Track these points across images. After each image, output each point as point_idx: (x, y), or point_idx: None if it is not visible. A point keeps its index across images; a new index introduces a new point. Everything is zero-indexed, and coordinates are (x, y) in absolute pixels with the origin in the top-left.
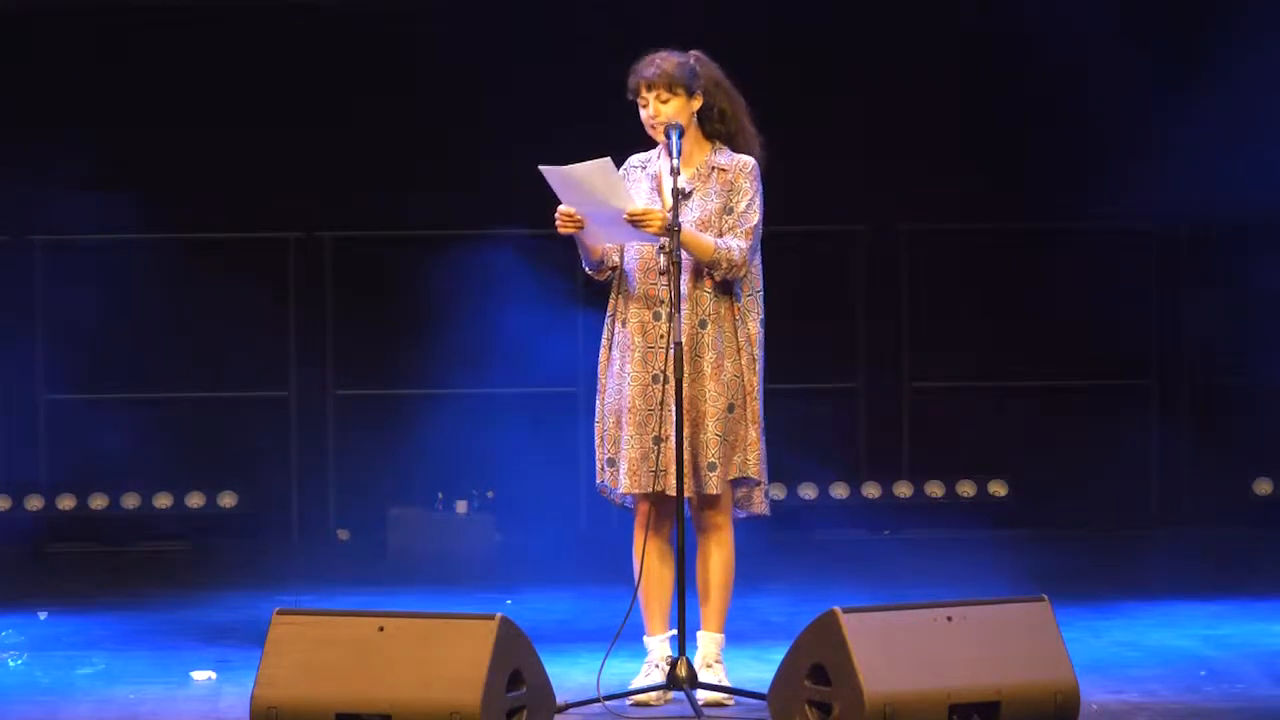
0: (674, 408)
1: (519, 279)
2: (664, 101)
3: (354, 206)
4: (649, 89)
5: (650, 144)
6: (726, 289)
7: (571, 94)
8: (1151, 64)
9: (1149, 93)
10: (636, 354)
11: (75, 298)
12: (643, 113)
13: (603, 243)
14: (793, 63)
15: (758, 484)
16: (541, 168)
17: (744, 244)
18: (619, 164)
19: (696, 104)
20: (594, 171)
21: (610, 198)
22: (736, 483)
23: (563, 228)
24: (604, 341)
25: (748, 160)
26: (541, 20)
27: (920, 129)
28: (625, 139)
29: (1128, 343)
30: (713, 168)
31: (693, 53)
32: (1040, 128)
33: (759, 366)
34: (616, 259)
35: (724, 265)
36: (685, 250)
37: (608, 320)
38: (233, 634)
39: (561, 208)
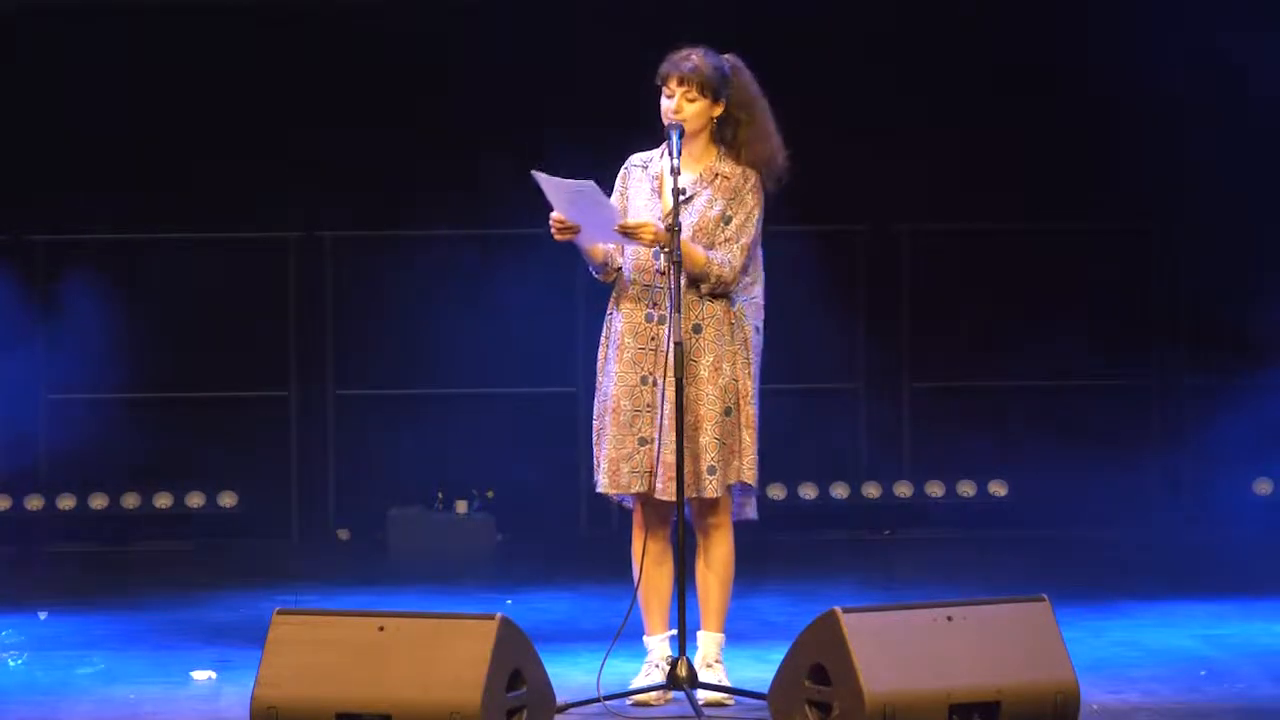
0: (675, 406)
1: (519, 279)
2: (690, 100)
3: (354, 206)
4: (680, 84)
5: (654, 140)
6: (724, 294)
7: (572, 93)
8: (1152, 62)
9: (1149, 92)
10: (626, 354)
11: (75, 297)
12: (665, 102)
13: (600, 242)
14: (792, 62)
15: (751, 489)
16: (534, 173)
17: (736, 262)
18: (620, 161)
19: (718, 110)
20: (581, 190)
21: (599, 209)
22: (731, 488)
23: (559, 235)
24: (602, 340)
25: (751, 173)
26: (542, 20)
27: (920, 129)
28: (629, 140)
29: (1127, 342)
30: (716, 174)
31: (728, 56)
32: (1040, 128)
33: (754, 371)
34: (620, 260)
35: (712, 280)
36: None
37: (606, 320)
38: (233, 634)
39: (554, 215)
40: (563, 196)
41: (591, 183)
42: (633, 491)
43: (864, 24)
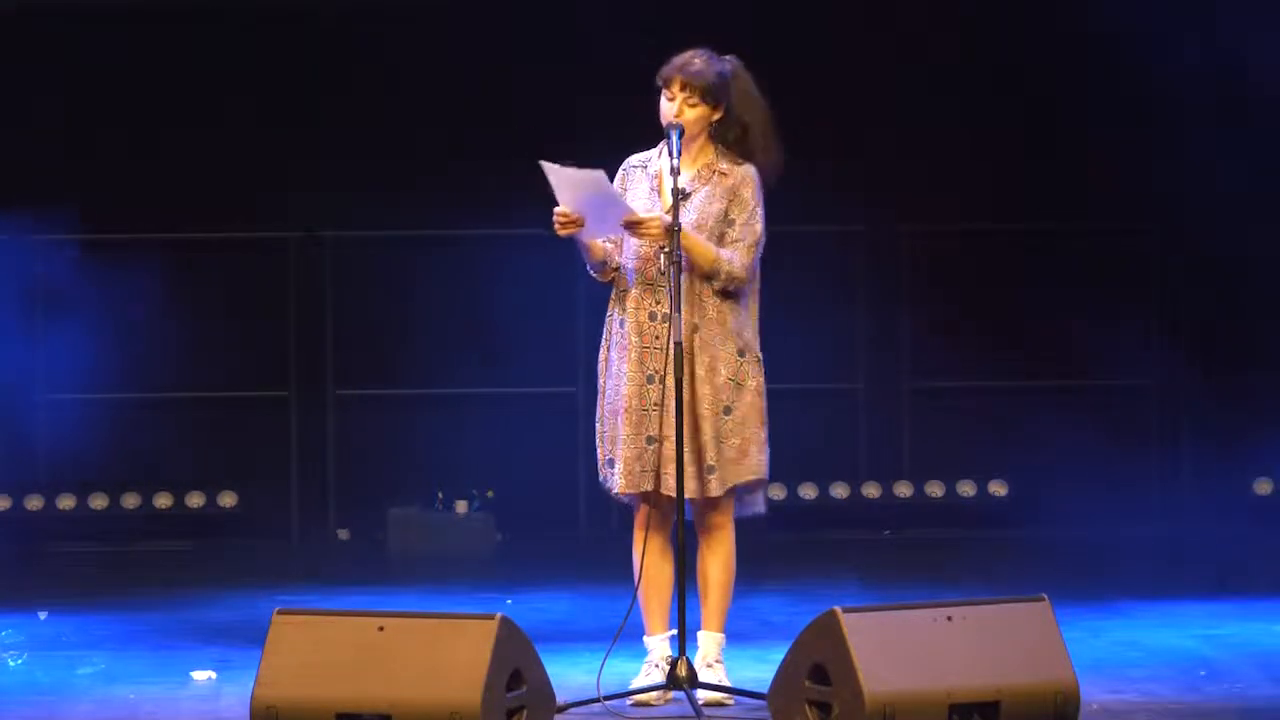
0: (674, 407)
1: (519, 279)
2: (691, 105)
3: (354, 206)
4: (682, 89)
5: (650, 140)
6: (724, 293)
7: (571, 94)
8: (1152, 62)
9: (1149, 92)
10: (633, 354)
11: (75, 297)
12: (666, 104)
13: (602, 236)
14: (792, 62)
15: (760, 482)
16: (542, 163)
17: (746, 259)
18: (619, 162)
19: (718, 115)
20: (589, 180)
21: (606, 202)
22: (742, 485)
23: (561, 229)
24: (603, 341)
25: (749, 168)
26: (541, 21)
27: (920, 129)
28: (629, 140)
29: (1127, 342)
30: (715, 171)
31: (729, 58)
32: (1040, 127)
33: (762, 367)
34: (618, 260)
35: (723, 276)
36: (685, 255)
37: (607, 320)
38: (233, 634)
39: (558, 209)
40: (570, 188)
41: (601, 173)
42: (643, 490)
43: (864, 24)
